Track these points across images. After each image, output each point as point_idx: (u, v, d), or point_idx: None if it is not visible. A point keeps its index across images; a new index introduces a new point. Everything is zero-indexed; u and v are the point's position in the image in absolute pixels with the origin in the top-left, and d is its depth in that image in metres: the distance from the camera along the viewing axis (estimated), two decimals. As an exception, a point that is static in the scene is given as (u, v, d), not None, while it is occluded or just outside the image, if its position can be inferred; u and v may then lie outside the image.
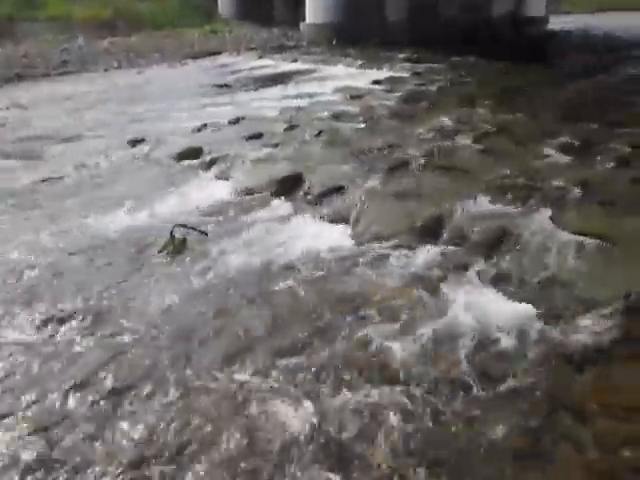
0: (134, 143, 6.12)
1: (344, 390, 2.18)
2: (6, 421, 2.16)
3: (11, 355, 2.56)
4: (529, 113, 6.01)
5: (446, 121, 5.84)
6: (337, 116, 6.50)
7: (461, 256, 3.08)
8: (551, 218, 3.26)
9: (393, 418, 2.02)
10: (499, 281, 2.82)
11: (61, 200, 4.63)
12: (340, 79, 9.26)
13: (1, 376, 2.42)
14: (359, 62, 10.90)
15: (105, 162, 5.62)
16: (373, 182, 4.14)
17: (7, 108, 9.14)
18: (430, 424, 1.99)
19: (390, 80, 8.88)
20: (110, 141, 6.33)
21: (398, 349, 2.38)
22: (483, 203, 3.60)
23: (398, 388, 2.17)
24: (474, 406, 2.07)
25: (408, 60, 10.80)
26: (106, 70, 13.06)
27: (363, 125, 6.00)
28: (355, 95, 7.72)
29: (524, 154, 4.57)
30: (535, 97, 7.00)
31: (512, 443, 1.92)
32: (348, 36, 13.56)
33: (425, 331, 2.47)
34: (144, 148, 5.92)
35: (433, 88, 8.00)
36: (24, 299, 3.02)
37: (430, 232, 3.34)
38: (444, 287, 2.82)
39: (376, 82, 8.75)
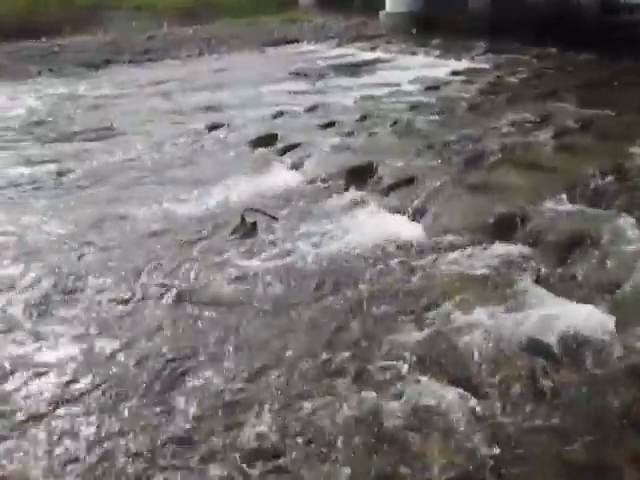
0: (212, 128, 6.30)
1: (401, 382, 2.17)
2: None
3: (93, 326, 2.73)
4: (617, 109, 5.68)
5: (526, 115, 5.62)
6: (413, 107, 6.40)
7: (534, 257, 2.95)
8: (636, 223, 3.08)
9: (450, 417, 1.98)
10: (572, 286, 2.69)
11: (139, 180, 4.85)
12: (418, 69, 9.09)
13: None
14: (438, 52, 10.65)
15: (183, 145, 5.82)
16: (446, 175, 4.06)
17: (93, 92, 9.61)
18: (488, 430, 1.93)
19: (469, 71, 8.63)
20: (189, 125, 6.53)
21: (460, 347, 2.33)
22: (562, 203, 3.44)
23: (456, 387, 2.12)
24: (536, 415, 1.99)
25: (489, 51, 10.44)
26: (188, 56, 13.44)
27: (439, 117, 5.88)
28: (432, 86, 7.57)
29: (610, 152, 4.32)
30: (624, 92, 6.61)
31: (575, 457, 1.83)
32: (428, 25, 13.28)
33: (489, 331, 2.40)
34: (221, 133, 6.08)
35: (514, 80, 7.71)
36: (107, 273, 3.21)
37: (503, 230, 3.23)
38: (513, 288, 2.72)
39: (455, 73, 8.53)
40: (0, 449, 2.01)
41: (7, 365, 2.46)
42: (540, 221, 3.25)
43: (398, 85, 7.78)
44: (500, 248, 3.07)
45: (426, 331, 2.46)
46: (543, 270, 2.83)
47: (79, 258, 3.44)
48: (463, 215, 3.45)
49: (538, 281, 2.76)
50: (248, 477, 1.84)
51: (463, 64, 9.32)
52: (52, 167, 5.38)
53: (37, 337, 2.66)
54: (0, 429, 2.10)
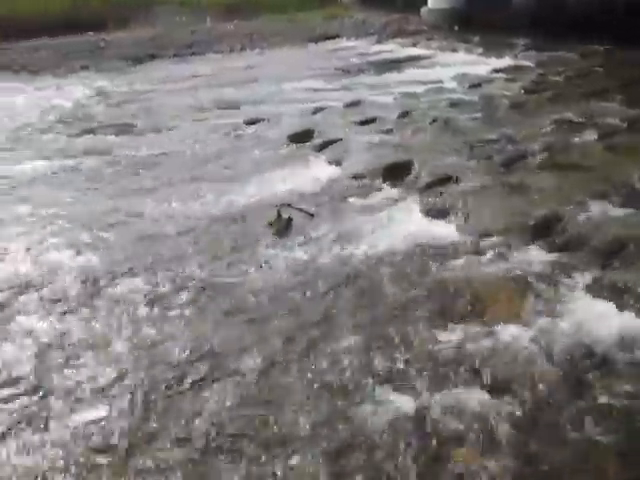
0: (250, 123, 6.36)
1: (423, 386, 2.14)
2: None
3: (128, 313, 2.79)
4: (668, 109, 5.48)
5: (570, 115, 5.47)
6: (453, 104, 6.32)
7: (575, 262, 2.86)
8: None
9: (485, 425, 1.93)
10: (615, 293, 2.58)
11: (176, 173, 4.94)
12: (459, 66, 8.96)
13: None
14: (480, 49, 10.46)
15: (221, 139, 5.90)
16: (485, 175, 3.99)
17: (135, 86, 9.81)
18: (525, 438, 1.87)
19: (512, 69, 8.46)
20: (227, 119, 6.61)
21: (496, 353, 2.27)
22: (605, 206, 3.33)
23: (492, 394, 2.07)
24: (577, 425, 1.92)
25: (532, 48, 10.19)
26: (231, 51, 13.59)
27: (480, 115, 5.78)
28: (474, 83, 7.44)
29: (658, 154, 4.18)
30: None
31: (619, 474, 1.76)
32: (470, 22, 13.06)
33: (526, 338, 2.33)
34: (259, 128, 6.14)
35: (558, 78, 7.51)
36: (143, 263, 3.29)
37: (542, 233, 3.14)
38: (551, 293, 2.64)
39: (497, 70, 8.36)
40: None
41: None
42: (582, 224, 3.16)
43: (439, 82, 7.68)
44: (539, 251, 2.99)
45: (460, 335, 2.41)
46: (584, 275, 2.74)
47: (108, 249, 3.53)
48: (501, 216, 3.38)
49: (578, 286, 2.67)
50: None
51: (505, 61, 9.14)
52: (93, 160, 5.55)
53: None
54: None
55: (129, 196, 4.47)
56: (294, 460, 1.86)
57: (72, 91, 9.62)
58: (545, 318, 2.46)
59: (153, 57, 13.19)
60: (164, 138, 6.20)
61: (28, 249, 3.59)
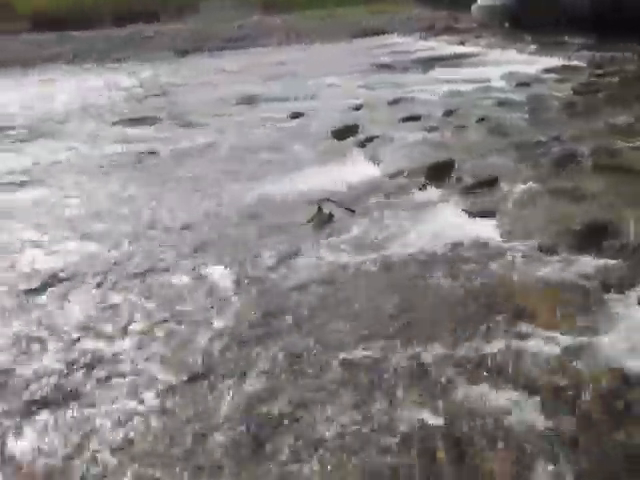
0: (293, 117, 6.40)
1: (462, 389, 2.10)
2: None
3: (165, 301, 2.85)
4: None
5: (624, 117, 5.29)
6: (501, 104, 6.20)
7: (624, 270, 2.75)
8: None
9: (520, 433, 1.88)
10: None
11: (219, 164, 5.01)
12: (508, 65, 8.78)
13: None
14: (531, 47, 10.24)
15: (264, 132, 5.95)
16: (531, 177, 3.88)
17: (179, 77, 9.98)
18: (557, 447, 1.81)
19: (564, 69, 8.24)
20: (272, 113, 6.66)
21: (535, 361, 2.19)
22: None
23: (528, 397, 2.01)
24: (613, 436, 1.86)
25: (585, 47, 9.91)
26: (279, 44, 13.69)
27: (528, 116, 5.65)
28: (523, 82, 7.29)
29: None
30: None
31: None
32: (521, 19, 12.77)
33: (567, 349, 2.24)
34: (302, 122, 6.17)
35: (611, 79, 7.27)
36: (186, 251, 3.38)
37: (589, 239, 3.03)
38: (595, 300, 2.54)
39: (548, 70, 8.16)
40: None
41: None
42: (632, 231, 3.04)
43: (486, 81, 7.55)
44: (586, 258, 2.88)
45: (496, 340, 2.35)
46: (634, 284, 2.64)
47: (151, 239, 3.61)
48: (546, 221, 3.29)
49: (628, 296, 2.58)
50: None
51: (556, 61, 8.91)
52: (141, 147, 5.67)
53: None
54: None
55: (174, 185, 4.56)
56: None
57: (119, 81, 9.87)
58: (590, 328, 2.37)
59: (191, 51, 13.39)
60: (206, 131, 6.28)
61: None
